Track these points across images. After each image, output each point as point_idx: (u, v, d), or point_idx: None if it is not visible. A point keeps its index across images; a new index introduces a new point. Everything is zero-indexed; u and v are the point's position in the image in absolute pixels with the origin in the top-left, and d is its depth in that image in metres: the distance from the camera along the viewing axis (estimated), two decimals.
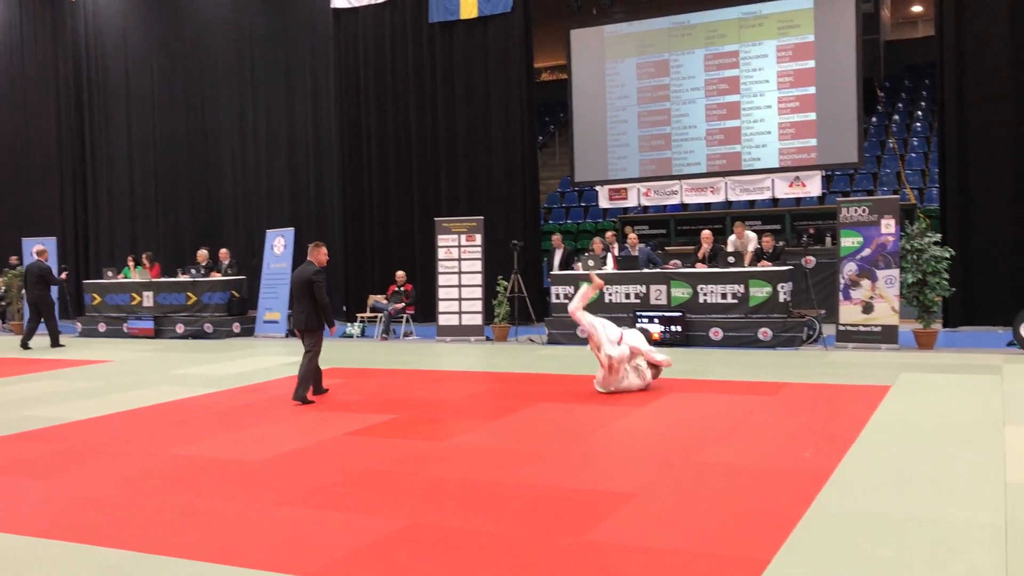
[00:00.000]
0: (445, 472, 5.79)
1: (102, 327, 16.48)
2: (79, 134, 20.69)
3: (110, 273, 16.93)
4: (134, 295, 16.44)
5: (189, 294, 15.97)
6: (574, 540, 4.37)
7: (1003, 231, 12.37)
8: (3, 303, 18.60)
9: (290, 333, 15.41)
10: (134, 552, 4.37)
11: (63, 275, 16.24)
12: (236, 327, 15.69)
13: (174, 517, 4.96)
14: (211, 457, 6.41)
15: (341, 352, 12.85)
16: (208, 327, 15.62)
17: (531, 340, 13.54)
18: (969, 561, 3.93)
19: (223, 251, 16.54)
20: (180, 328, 15.80)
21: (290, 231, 16.29)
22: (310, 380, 8.63)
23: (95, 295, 16.83)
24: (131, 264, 17.24)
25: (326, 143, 17.81)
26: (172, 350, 13.86)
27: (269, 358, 12.44)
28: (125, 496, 5.44)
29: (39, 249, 15.75)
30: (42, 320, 14.74)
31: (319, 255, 8.97)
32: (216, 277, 15.98)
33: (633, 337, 8.74)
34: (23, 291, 17.48)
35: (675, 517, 4.71)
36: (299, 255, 16.34)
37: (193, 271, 16.11)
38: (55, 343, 14.66)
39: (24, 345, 14.61)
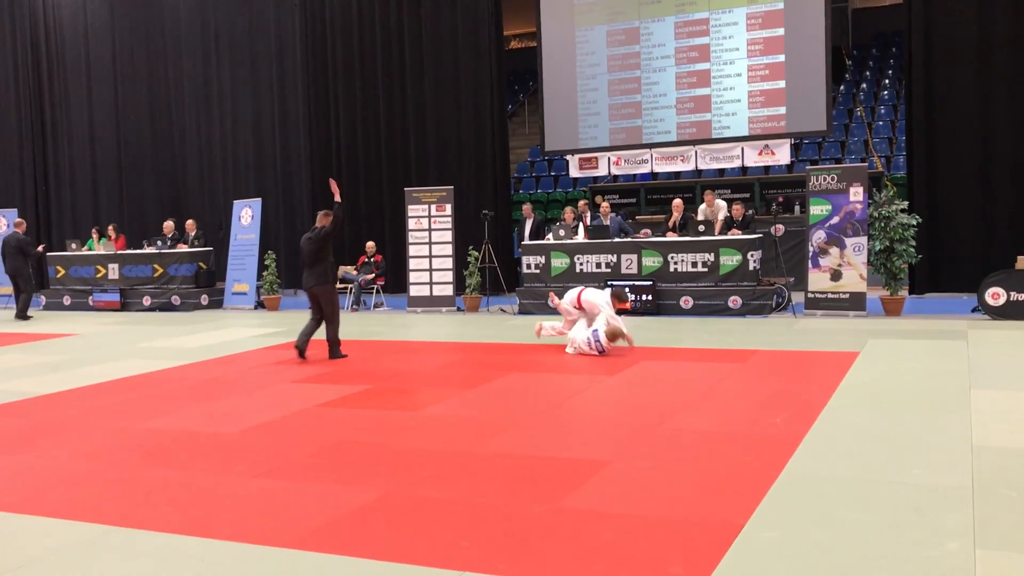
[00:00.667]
0: (419, 442, 5.78)
1: (67, 300, 16.25)
2: (38, 103, 20.21)
3: (74, 245, 16.66)
4: (99, 267, 16.21)
5: (155, 266, 15.76)
6: (549, 507, 4.39)
7: (969, 198, 12.51)
8: None
9: (259, 305, 15.30)
10: (107, 526, 4.33)
11: (40, 248, 16.06)
12: (204, 299, 15.53)
13: (147, 491, 4.92)
14: (182, 430, 6.36)
15: None
16: (175, 299, 15.45)
17: (502, 310, 13.54)
18: (936, 522, 4.01)
19: (189, 222, 16.32)
20: (147, 301, 15.61)
21: (257, 202, 16.11)
22: (337, 341, 9.29)
23: (59, 267, 16.58)
24: (95, 236, 16.98)
25: (292, 113, 17.56)
26: (139, 323, 13.71)
27: (238, 330, 12.34)
28: (96, 470, 5.39)
29: (17, 221, 15.55)
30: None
31: (328, 221, 9.28)
32: (183, 249, 15.78)
33: (594, 296, 9.17)
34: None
35: (649, 483, 4.75)
36: (267, 226, 16.23)
37: (159, 243, 15.90)
38: (21, 315, 14.49)
39: (22, 317, 14.69)
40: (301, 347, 9.21)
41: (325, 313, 9.23)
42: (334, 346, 9.28)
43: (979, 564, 3.53)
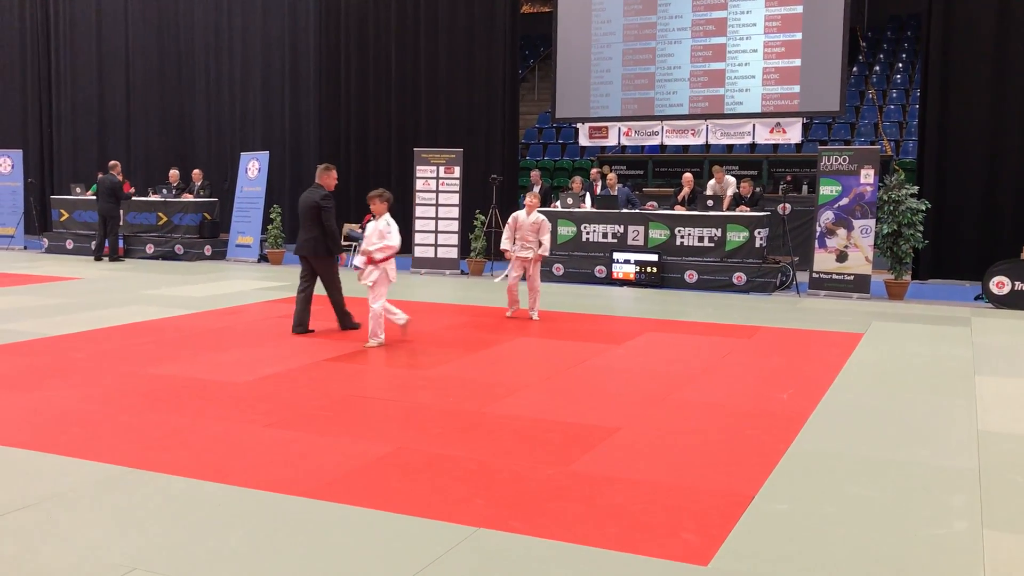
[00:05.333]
0: (428, 400, 5.82)
1: (69, 244, 16.19)
2: (45, 45, 20.02)
3: (78, 189, 16.57)
4: None
5: (160, 214, 15.71)
6: (560, 470, 4.44)
7: (978, 186, 12.50)
8: None
9: (262, 258, 15.28)
10: (123, 467, 4.37)
11: (129, 187, 16.06)
12: (207, 250, 15.49)
13: (161, 435, 4.96)
14: (192, 377, 6.39)
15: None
16: (179, 248, 15.42)
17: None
18: (944, 501, 4.07)
19: (196, 172, 16.23)
20: (150, 248, 15.58)
21: (264, 155, 16.02)
22: (344, 308, 8.47)
23: (62, 211, 16.51)
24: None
25: (304, 67, 17.43)
26: (142, 270, 13.69)
27: (242, 282, 12.33)
28: (108, 412, 5.42)
29: (112, 163, 15.50)
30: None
31: (328, 179, 8.43)
32: (188, 198, 15.72)
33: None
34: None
35: (658, 451, 4.79)
36: (272, 180, 16.15)
37: (164, 191, 15.83)
38: (112, 257, 14.74)
39: (97, 257, 14.85)
40: (342, 318, 8.61)
41: (323, 277, 8.47)
42: (343, 315, 8.58)
43: (987, 543, 3.59)
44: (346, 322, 8.53)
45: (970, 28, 12.60)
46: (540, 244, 9.27)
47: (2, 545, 3.48)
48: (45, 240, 16.58)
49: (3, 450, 4.63)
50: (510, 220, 9.43)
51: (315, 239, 8.24)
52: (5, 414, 5.35)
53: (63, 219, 16.45)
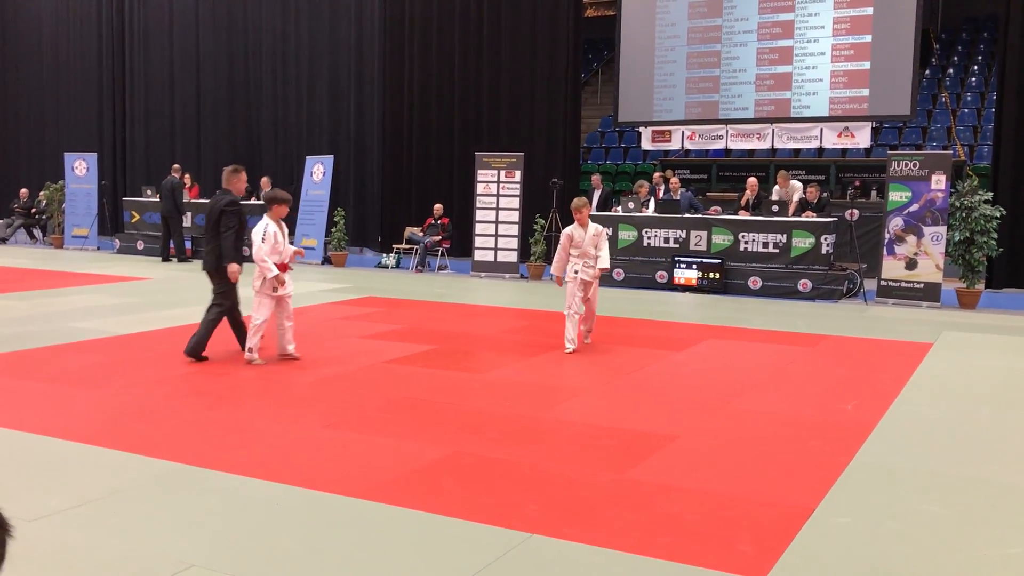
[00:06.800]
0: (485, 404, 5.82)
1: (140, 245, 16.61)
2: (120, 51, 20.65)
3: (149, 192, 17.01)
4: None
5: None
6: (615, 477, 4.39)
7: None
8: (44, 216, 18.81)
9: (326, 260, 15.49)
10: (183, 464, 4.45)
11: (196, 192, 16.59)
12: None
13: (221, 433, 5.04)
14: (253, 377, 6.49)
15: (376, 282, 12.90)
16: (245, 251, 15.66)
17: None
18: (1012, 520, 3.91)
19: (264, 179, 16.52)
20: None
21: (329, 158, 16.24)
22: (209, 336, 7.25)
23: (134, 212, 16.96)
24: None
25: (368, 70, 17.64)
26: None
27: (306, 284, 12.49)
28: (170, 410, 5.53)
29: (175, 166, 16.02)
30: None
31: (238, 182, 7.56)
32: (255, 202, 16.00)
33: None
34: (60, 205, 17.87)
35: (717, 461, 4.71)
36: (337, 182, 16.35)
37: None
38: (181, 258, 15.27)
39: (164, 258, 15.38)
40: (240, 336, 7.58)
41: (219, 291, 7.61)
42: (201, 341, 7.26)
43: None
44: (193, 347, 7.20)
45: None
46: (597, 258, 7.99)
47: (68, 538, 3.57)
48: (117, 241, 17.05)
49: (69, 445, 4.75)
50: (563, 239, 8.05)
51: (219, 251, 7.40)
52: (71, 410, 5.50)
53: (134, 220, 16.90)
